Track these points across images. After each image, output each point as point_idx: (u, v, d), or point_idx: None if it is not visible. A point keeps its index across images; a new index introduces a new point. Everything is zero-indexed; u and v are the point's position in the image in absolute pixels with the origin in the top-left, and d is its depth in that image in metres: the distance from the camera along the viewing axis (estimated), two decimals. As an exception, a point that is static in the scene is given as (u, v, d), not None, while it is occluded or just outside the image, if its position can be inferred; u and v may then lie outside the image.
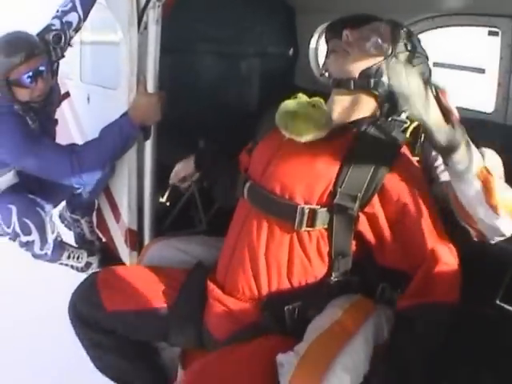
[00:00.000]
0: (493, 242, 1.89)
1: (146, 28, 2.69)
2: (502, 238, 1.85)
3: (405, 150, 1.97)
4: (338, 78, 2.01)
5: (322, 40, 4.38)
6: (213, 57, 4.11)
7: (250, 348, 1.95)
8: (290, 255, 1.99)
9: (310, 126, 1.91)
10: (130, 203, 3.05)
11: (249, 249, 2.05)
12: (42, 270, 3.79)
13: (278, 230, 1.99)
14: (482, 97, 4.16)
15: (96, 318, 2.30)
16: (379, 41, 1.93)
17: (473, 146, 1.75)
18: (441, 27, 3.22)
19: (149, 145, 2.86)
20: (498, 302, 2.62)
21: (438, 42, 4.00)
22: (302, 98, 2.01)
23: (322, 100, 1.98)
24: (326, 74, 2.11)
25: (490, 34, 3.18)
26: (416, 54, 1.99)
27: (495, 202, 1.74)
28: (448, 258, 1.86)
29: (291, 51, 4.45)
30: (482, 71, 5.37)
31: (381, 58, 1.93)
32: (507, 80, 3.04)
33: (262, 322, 2.02)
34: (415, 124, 2.08)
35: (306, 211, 1.90)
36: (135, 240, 3.12)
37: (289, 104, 1.98)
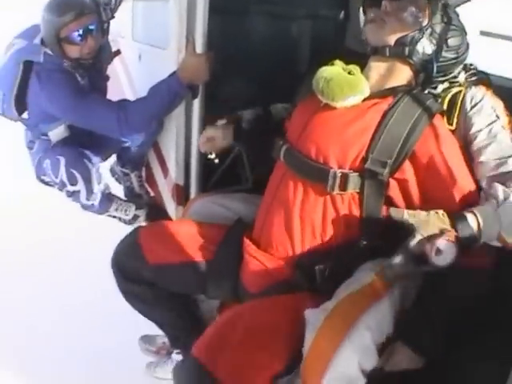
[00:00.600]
0: None
1: (196, -13, 2.73)
2: None
3: (438, 118, 2.01)
4: (374, 45, 2.08)
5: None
6: (263, 18, 4.11)
7: (280, 301, 2.05)
8: (324, 216, 2.07)
9: (345, 92, 1.98)
10: (177, 159, 3.13)
11: (284, 209, 2.14)
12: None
13: (312, 191, 2.07)
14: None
15: (137, 271, 2.41)
16: (416, 11, 2.00)
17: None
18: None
19: (197, 103, 2.93)
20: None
21: (485, 11, 3.95)
22: (338, 64, 2.06)
23: (357, 67, 2.05)
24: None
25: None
26: (451, 27, 2.04)
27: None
28: None
29: (342, 14, 4.44)
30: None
31: (417, 27, 2.00)
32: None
33: (293, 279, 2.11)
34: (450, 95, 2.11)
35: (339, 175, 1.98)
36: (182, 195, 3.20)
37: (325, 70, 2.04)
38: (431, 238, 1.75)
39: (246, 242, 2.26)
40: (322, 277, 2.09)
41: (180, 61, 2.87)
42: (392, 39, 2.03)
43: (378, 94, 2.06)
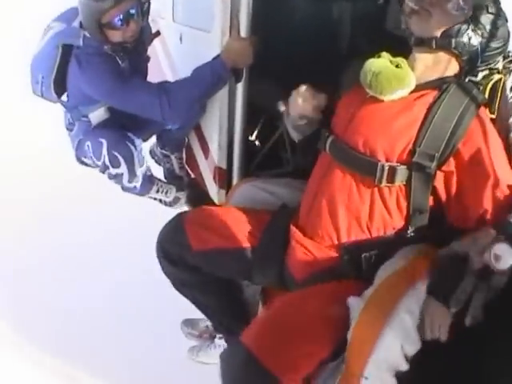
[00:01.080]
0: None
1: (241, -29, 2.72)
2: None
3: (483, 111, 2.02)
4: (419, 36, 2.05)
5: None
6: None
7: (327, 288, 2.09)
8: (371, 208, 2.10)
9: (393, 86, 1.99)
10: (220, 142, 3.13)
11: (329, 199, 2.15)
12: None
13: (359, 184, 2.10)
14: None
15: (182, 257, 2.44)
16: (461, 2, 1.97)
17: None
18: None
19: (240, 87, 2.93)
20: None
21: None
22: (386, 56, 2.06)
23: (404, 60, 2.04)
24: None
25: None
26: (496, 16, 2.03)
27: None
28: None
29: (383, -3, 4.40)
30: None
31: (462, 19, 1.98)
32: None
33: (340, 266, 2.16)
34: (491, 83, 2.09)
35: (386, 168, 2.00)
36: (224, 178, 3.20)
37: (373, 63, 2.04)
38: (486, 248, 1.76)
39: (293, 229, 2.28)
40: (368, 264, 2.12)
41: (224, 44, 2.86)
42: (438, 31, 2.01)
43: (424, 86, 2.06)
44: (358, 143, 2.08)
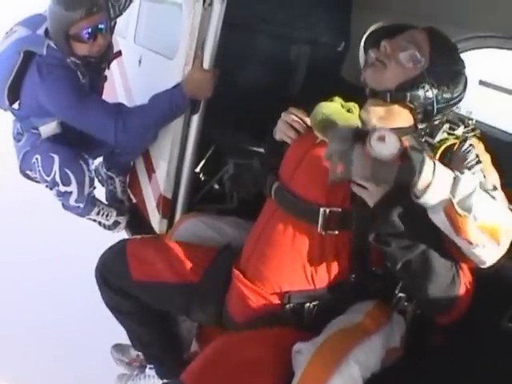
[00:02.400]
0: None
1: (210, 4, 2.70)
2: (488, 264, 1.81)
3: None
4: (374, 88, 2.05)
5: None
6: (267, 38, 4.13)
7: (269, 335, 2.03)
8: (313, 255, 2.06)
9: None
10: (169, 172, 3.08)
11: (272, 246, 2.12)
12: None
13: (302, 230, 2.06)
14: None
15: (121, 285, 2.40)
16: (416, 54, 1.98)
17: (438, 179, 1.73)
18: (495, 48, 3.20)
19: (195, 119, 2.91)
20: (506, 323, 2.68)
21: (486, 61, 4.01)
22: (338, 101, 2.05)
23: (356, 105, 2.04)
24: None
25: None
26: (451, 67, 2.04)
27: (467, 236, 1.70)
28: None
29: (343, 44, 4.46)
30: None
31: (418, 72, 1.98)
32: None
33: (281, 313, 2.10)
34: (444, 147, 2.05)
35: (328, 214, 1.97)
36: (168, 208, 3.16)
37: (324, 106, 2.02)
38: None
39: (235, 272, 2.24)
40: (310, 314, 2.09)
41: (185, 74, 2.84)
42: (393, 84, 2.00)
43: None
44: (302, 189, 2.06)
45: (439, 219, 1.71)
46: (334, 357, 1.81)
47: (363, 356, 1.83)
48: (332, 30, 4.41)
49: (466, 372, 2.09)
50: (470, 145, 2.04)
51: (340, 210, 1.98)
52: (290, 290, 2.11)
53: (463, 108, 2.26)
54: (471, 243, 1.70)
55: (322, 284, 2.09)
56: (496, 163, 2.06)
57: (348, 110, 2.02)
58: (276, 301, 2.12)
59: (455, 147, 2.03)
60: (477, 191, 1.71)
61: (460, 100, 2.10)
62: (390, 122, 2.06)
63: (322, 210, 1.97)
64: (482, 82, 3.32)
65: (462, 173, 1.75)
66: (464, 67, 2.10)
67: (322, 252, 2.05)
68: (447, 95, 2.02)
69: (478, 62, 4.67)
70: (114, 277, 2.41)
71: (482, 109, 2.83)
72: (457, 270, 1.83)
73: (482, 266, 1.81)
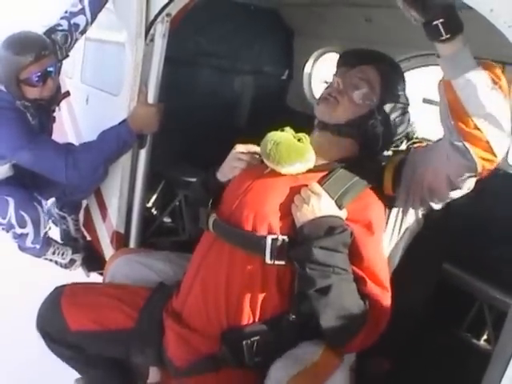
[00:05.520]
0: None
1: (152, 40, 2.79)
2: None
3: (368, 193, 1.98)
4: (325, 121, 2.10)
5: (317, 65, 4.49)
6: (210, 71, 4.21)
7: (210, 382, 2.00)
8: (254, 287, 1.97)
9: (292, 157, 1.95)
10: (120, 207, 3.13)
11: (209, 280, 2.04)
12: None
13: (244, 261, 1.97)
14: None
15: (61, 336, 2.33)
16: (368, 92, 2.04)
17: None
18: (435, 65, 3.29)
19: (143, 153, 2.96)
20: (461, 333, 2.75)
21: (428, 79, 4.11)
22: (289, 131, 2.05)
23: (307, 136, 2.03)
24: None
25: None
26: (399, 105, 2.09)
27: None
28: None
29: (286, 73, 4.55)
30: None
31: (368, 108, 2.04)
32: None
33: (220, 355, 2.01)
34: (396, 164, 2.03)
35: (275, 242, 1.89)
36: (121, 242, 3.19)
37: (275, 134, 2.02)
38: None
39: (166, 317, 2.18)
40: (250, 352, 1.99)
41: (131, 109, 2.90)
42: (343, 119, 2.05)
43: (319, 168, 2.03)
44: (247, 218, 1.96)
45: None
46: None
47: None
48: (275, 60, 4.52)
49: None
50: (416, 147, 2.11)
51: (287, 237, 1.90)
52: (227, 327, 2.02)
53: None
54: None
55: (262, 318, 2.00)
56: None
57: (299, 140, 2.01)
58: (213, 340, 2.03)
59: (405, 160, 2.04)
60: None
61: (404, 135, 2.16)
62: (334, 152, 2.09)
63: (269, 238, 1.88)
64: (425, 100, 3.41)
65: None
66: (408, 104, 2.16)
67: (264, 284, 1.96)
68: (393, 131, 2.08)
69: (421, 81, 4.80)
70: (53, 329, 2.35)
71: (427, 126, 2.89)
72: (365, 311, 1.81)
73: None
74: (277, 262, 1.90)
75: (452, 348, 2.72)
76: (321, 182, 1.95)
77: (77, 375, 2.66)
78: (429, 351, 2.53)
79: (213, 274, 2.03)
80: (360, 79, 2.07)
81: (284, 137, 2.01)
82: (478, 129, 1.61)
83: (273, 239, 1.88)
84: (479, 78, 1.58)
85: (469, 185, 1.81)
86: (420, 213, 2.10)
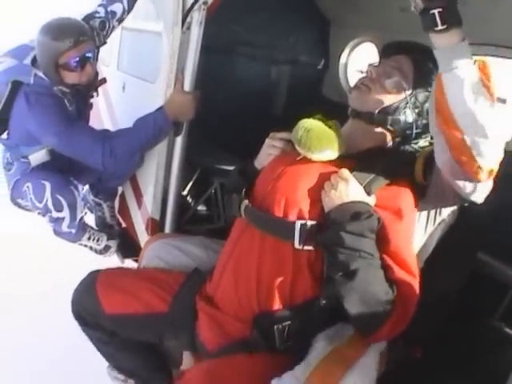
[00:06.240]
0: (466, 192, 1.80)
1: (188, 28, 2.79)
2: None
3: (399, 182, 1.95)
4: (357, 109, 2.11)
5: (352, 55, 4.47)
6: (246, 59, 4.21)
7: (238, 364, 1.98)
8: (285, 273, 1.97)
9: (322, 144, 1.96)
10: (155, 194, 3.15)
11: (241, 266, 2.06)
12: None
13: (275, 247, 1.98)
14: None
15: (96, 320, 2.38)
16: (400, 80, 2.04)
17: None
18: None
19: (179, 141, 2.97)
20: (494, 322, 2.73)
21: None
22: (320, 118, 2.06)
23: (337, 123, 2.05)
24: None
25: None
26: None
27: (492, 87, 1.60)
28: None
29: (322, 62, 4.53)
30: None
31: (401, 96, 2.04)
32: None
33: (251, 339, 2.02)
34: (427, 153, 1.98)
35: (305, 227, 1.90)
36: (156, 229, 3.21)
37: (306, 121, 2.04)
38: None
39: (199, 300, 2.20)
40: (281, 336, 1.99)
41: (167, 96, 2.91)
42: (376, 107, 2.06)
43: (351, 155, 2.02)
44: (278, 203, 1.98)
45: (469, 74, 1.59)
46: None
47: (361, 375, 1.79)
48: (311, 49, 4.50)
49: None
50: None
51: (316, 223, 1.91)
52: (258, 312, 2.02)
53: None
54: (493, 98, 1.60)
55: (293, 303, 2.00)
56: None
57: (329, 127, 2.02)
58: (244, 324, 2.04)
59: None
60: None
61: None
62: (367, 141, 2.10)
63: (298, 223, 1.90)
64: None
65: None
66: None
67: (295, 269, 1.96)
68: (426, 121, 2.04)
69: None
70: (88, 312, 2.39)
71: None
72: (393, 298, 1.80)
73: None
74: (306, 247, 1.92)
75: (485, 337, 2.71)
76: (351, 168, 1.93)
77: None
78: (461, 340, 2.51)
79: (244, 261, 2.05)
80: (392, 68, 2.07)
81: (315, 124, 2.02)
82: (458, 129, 1.62)
83: (302, 224, 1.90)
84: (468, 74, 1.57)
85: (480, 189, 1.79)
86: (456, 204, 2.07)
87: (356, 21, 4.08)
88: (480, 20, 2.50)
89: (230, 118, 3.83)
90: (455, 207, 2.09)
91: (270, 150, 2.23)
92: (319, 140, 1.97)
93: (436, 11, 1.53)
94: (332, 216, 1.85)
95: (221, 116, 3.77)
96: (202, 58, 2.85)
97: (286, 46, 4.39)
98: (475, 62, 1.59)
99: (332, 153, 1.97)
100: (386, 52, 2.20)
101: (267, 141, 2.26)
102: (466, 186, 1.78)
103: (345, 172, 1.88)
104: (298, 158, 2.04)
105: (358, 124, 2.12)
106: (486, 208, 2.03)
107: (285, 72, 4.54)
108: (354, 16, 4.03)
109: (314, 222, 1.90)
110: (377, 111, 2.06)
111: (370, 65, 2.13)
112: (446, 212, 2.08)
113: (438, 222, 2.09)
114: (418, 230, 2.03)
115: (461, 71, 1.57)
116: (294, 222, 1.91)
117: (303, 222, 1.90)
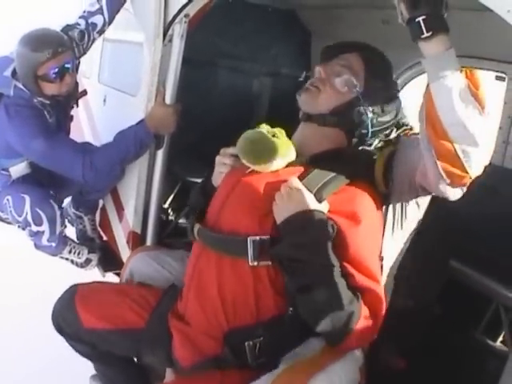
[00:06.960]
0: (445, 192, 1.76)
1: (170, 41, 2.79)
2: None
3: (353, 185, 1.93)
4: (309, 112, 2.06)
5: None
6: (227, 72, 4.21)
7: (209, 382, 1.99)
8: (246, 291, 1.93)
9: (268, 155, 1.92)
10: (136, 207, 3.13)
11: (204, 287, 2.01)
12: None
13: (233, 266, 1.94)
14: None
15: (75, 333, 2.35)
16: (351, 78, 2.00)
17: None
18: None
19: (160, 154, 2.97)
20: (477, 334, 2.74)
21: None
22: (263, 127, 2.02)
23: (282, 130, 2.00)
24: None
25: (497, 78, 3.27)
26: (387, 91, 2.07)
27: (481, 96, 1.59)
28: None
29: (303, 74, 4.53)
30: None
31: (353, 95, 2.00)
32: (508, 125, 3.15)
33: (222, 356, 1.97)
34: (386, 157, 1.98)
35: (258, 243, 1.86)
36: (138, 243, 3.19)
37: (248, 132, 1.99)
38: None
39: (171, 318, 2.15)
40: (253, 353, 1.94)
41: (149, 109, 2.90)
42: (328, 108, 2.01)
43: (302, 162, 1.99)
44: (230, 222, 1.96)
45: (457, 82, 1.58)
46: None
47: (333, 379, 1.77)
48: (292, 62, 4.49)
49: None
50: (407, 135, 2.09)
51: (269, 237, 1.86)
52: (227, 329, 1.97)
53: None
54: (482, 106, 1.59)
55: (261, 319, 1.95)
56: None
57: (273, 136, 1.96)
58: (215, 342, 1.99)
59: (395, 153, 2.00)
60: None
61: (394, 123, 2.11)
62: (322, 144, 2.05)
63: (249, 239, 1.85)
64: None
65: None
66: (398, 90, 2.13)
67: (257, 286, 1.91)
68: (382, 119, 2.03)
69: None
70: (68, 325, 2.37)
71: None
72: (358, 306, 1.77)
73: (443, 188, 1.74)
74: (262, 263, 1.86)
75: (468, 349, 2.71)
76: (303, 175, 1.90)
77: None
78: (444, 352, 2.52)
79: (204, 283, 2.01)
80: (342, 66, 2.04)
81: (257, 134, 1.97)
82: (448, 139, 1.60)
83: (253, 240, 1.85)
84: (456, 83, 1.56)
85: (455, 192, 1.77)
86: (420, 206, 2.06)
87: (337, 33, 4.07)
88: (463, 32, 2.53)
89: (212, 130, 3.82)
90: (420, 209, 2.07)
91: (220, 169, 2.18)
92: (263, 151, 1.92)
93: (421, 19, 1.52)
94: (281, 228, 1.81)
95: (202, 128, 3.75)
96: (183, 71, 2.85)
97: (268, 59, 4.38)
98: (462, 70, 1.58)
99: (281, 161, 1.93)
100: (332, 51, 2.13)
101: (217, 158, 2.20)
102: (445, 191, 1.75)
103: (294, 181, 1.83)
104: (247, 171, 1.99)
105: (310, 127, 2.07)
106: (458, 215, 2.04)
107: (266, 84, 4.53)
108: (336, 28, 4.02)
109: (266, 237, 1.85)
110: (329, 112, 2.01)
111: (317, 65, 2.09)
112: (411, 213, 2.06)
113: (404, 225, 2.05)
114: (386, 236, 2.00)
115: (448, 80, 1.55)
116: (245, 239, 1.86)
117: (254, 238, 1.85)
